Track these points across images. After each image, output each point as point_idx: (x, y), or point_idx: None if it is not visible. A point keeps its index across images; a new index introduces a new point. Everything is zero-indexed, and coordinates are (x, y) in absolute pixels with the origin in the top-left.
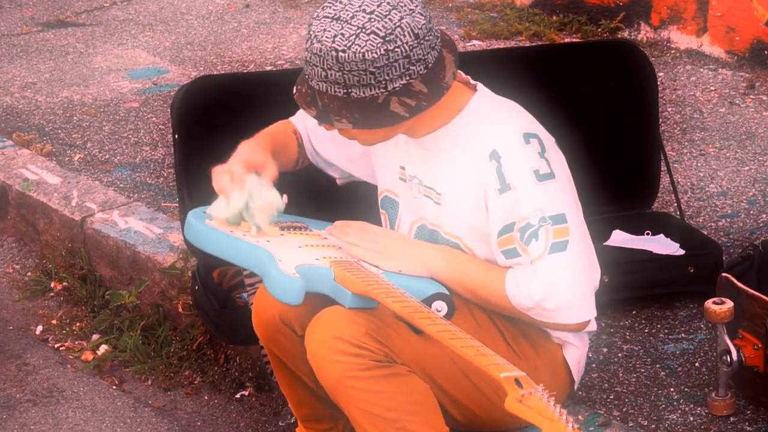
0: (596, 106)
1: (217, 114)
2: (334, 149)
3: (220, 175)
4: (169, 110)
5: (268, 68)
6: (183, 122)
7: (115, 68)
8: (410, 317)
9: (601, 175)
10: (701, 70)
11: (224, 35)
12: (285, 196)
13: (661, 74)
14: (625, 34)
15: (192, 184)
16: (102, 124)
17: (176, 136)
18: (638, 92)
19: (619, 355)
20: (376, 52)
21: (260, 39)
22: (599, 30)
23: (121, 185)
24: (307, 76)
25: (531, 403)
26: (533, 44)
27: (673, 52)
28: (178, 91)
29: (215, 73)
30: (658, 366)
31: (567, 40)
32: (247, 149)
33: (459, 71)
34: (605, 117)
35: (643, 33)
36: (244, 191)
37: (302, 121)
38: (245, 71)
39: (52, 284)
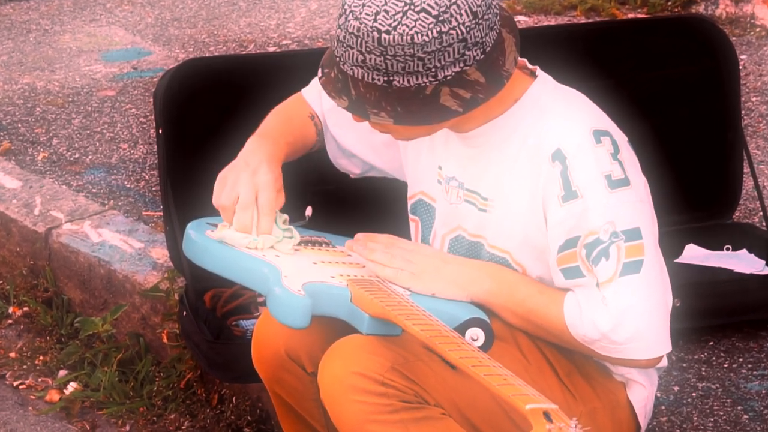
0: (665, 96)
1: (209, 105)
2: (355, 135)
3: (243, 209)
4: (151, 100)
5: (271, 49)
6: (168, 114)
7: (87, 49)
8: (431, 341)
9: (672, 179)
10: None
11: (218, 9)
12: (309, 209)
13: (743, 57)
14: (701, 8)
15: (179, 188)
16: (71, 116)
17: (160, 131)
18: (716, 79)
19: (693, 394)
20: (427, 35)
21: (261, 14)
22: (669, 4)
23: (94, 190)
24: (338, 59)
25: None
26: (590, 21)
27: (757, 30)
28: (162, 77)
29: (207, 55)
30: (739, 408)
31: (631, 16)
32: (271, 164)
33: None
34: (676, 109)
35: (722, 7)
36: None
37: (318, 98)
38: (243, 53)
39: (11, 309)
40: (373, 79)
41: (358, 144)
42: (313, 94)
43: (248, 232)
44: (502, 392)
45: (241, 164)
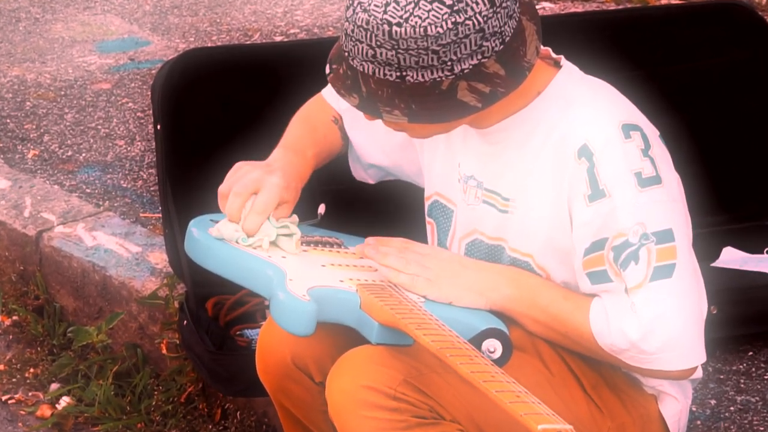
0: (699, 88)
1: (211, 98)
2: (367, 136)
3: (236, 195)
4: (149, 93)
5: (278, 39)
6: (167, 109)
7: (81, 39)
8: (441, 353)
9: (706, 177)
10: None
11: None
12: (322, 206)
13: None
14: None
15: (179, 188)
16: (63, 111)
17: (158, 127)
18: (755, 70)
19: (732, 408)
20: (441, 26)
21: (268, 1)
22: None
23: (88, 190)
24: (347, 54)
25: None
26: (619, 7)
27: None
28: (160, 69)
29: (209, 45)
30: None
31: (664, 1)
32: (290, 174)
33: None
34: (711, 103)
35: None
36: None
37: (338, 98)
38: (248, 43)
39: None
40: (384, 74)
41: (372, 147)
42: (334, 94)
43: (235, 221)
44: (514, 410)
45: (260, 163)
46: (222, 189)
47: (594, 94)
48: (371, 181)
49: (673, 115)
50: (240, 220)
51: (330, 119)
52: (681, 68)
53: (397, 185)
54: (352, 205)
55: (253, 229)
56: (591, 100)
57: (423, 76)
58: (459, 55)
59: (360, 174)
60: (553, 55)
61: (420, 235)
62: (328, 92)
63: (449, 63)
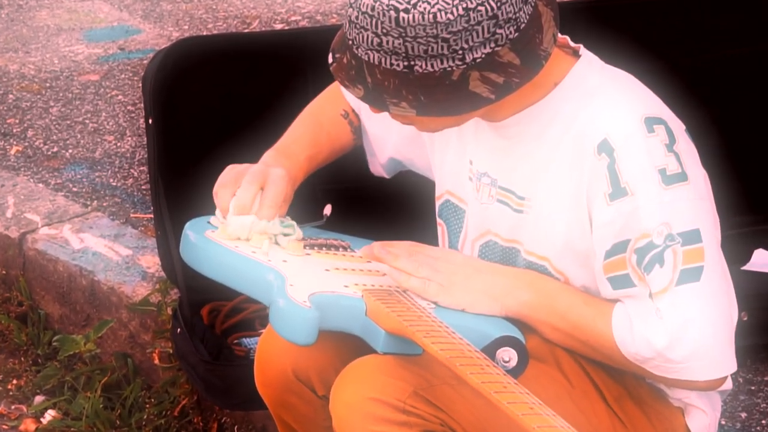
0: (730, 79)
1: (207, 91)
2: (384, 128)
3: (249, 184)
4: (140, 85)
5: (278, 27)
6: (160, 102)
7: (67, 27)
8: (451, 363)
9: (737, 174)
10: None
11: None
12: (328, 207)
13: None
14: None
15: (172, 187)
16: (48, 104)
17: (150, 122)
18: None
19: (764, 422)
20: (451, 12)
21: None
22: None
23: (75, 189)
24: (351, 42)
25: None
26: None
27: None
28: (152, 59)
29: (205, 33)
30: None
31: None
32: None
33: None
34: (740, 96)
35: None
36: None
37: None
38: (246, 31)
39: None
40: (391, 64)
41: (387, 135)
42: None
43: (246, 213)
44: (526, 423)
45: (255, 164)
46: (218, 183)
47: (615, 85)
48: (387, 176)
49: (699, 108)
50: (251, 211)
51: (339, 113)
52: (708, 58)
53: (404, 183)
54: (355, 205)
55: (271, 215)
56: (612, 92)
57: (432, 65)
58: (471, 43)
59: (377, 169)
60: (572, 44)
61: (429, 238)
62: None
63: (460, 52)
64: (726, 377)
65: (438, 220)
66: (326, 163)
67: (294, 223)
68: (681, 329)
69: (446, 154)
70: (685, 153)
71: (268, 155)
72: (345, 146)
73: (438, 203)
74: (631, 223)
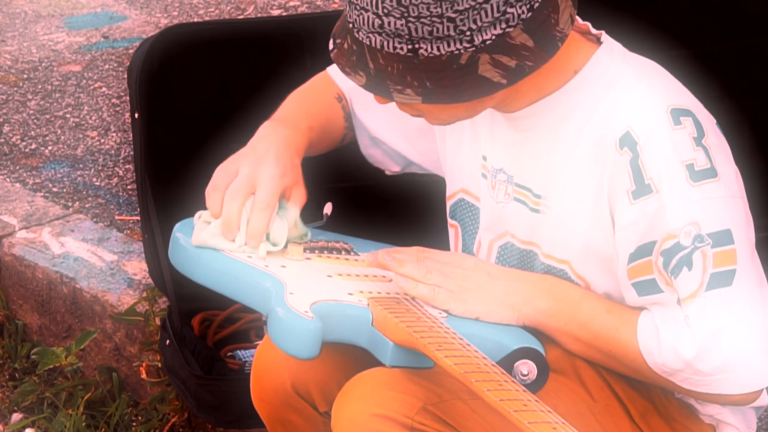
0: (760, 70)
1: (197, 82)
2: (384, 119)
3: (232, 197)
4: (125, 77)
5: (275, 13)
6: (147, 95)
7: (47, 14)
8: (465, 378)
9: None
10: None
11: None
12: (328, 206)
13: None
14: None
15: (160, 187)
16: (26, 97)
17: (136, 116)
18: None
19: None
20: None
21: None
22: None
23: (55, 189)
24: (351, 25)
25: None
26: None
27: None
28: (138, 48)
29: (195, 20)
30: None
31: None
32: (282, 154)
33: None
34: None
35: None
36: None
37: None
38: (240, 18)
39: None
40: (394, 48)
41: (389, 131)
42: (340, 73)
43: (232, 231)
44: None
45: (246, 151)
46: (209, 189)
47: (639, 74)
48: (391, 166)
49: (730, 100)
50: (238, 228)
51: (333, 96)
52: (740, 46)
53: (411, 182)
54: (360, 205)
55: (260, 233)
56: (635, 81)
57: (438, 48)
58: (479, 24)
59: (372, 154)
60: (593, 31)
61: (440, 241)
62: (335, 68)
63: (468, 33)
64: (761, 391)
65: (450, 221)
66: (324, 147)
67: (308, 229)
68: (711, 338)
69: (460, 150)
70: (715, 147)
71: (264, 126)
72: (339, 131)
73: (450, 203)
74: (656, 223)
